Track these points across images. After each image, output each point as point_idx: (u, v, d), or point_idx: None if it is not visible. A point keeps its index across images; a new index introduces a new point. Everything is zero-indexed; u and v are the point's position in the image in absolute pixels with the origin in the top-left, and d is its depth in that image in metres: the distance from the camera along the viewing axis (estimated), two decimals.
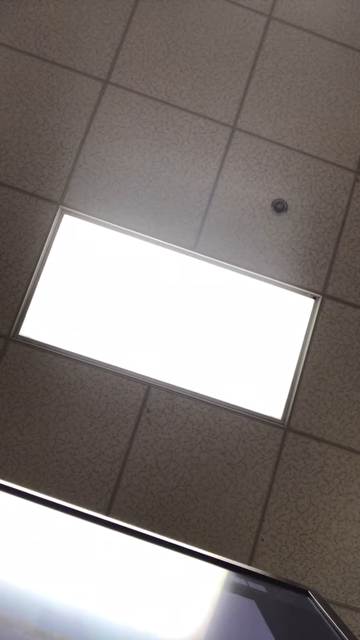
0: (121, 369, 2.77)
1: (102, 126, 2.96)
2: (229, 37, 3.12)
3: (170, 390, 2.77)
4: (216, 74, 3.07)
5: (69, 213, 2.90)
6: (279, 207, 2.98)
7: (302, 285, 2.94)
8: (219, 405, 2.78)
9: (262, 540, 2.70)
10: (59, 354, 2.74)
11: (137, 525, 2.69)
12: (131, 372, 2.78)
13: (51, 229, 2.86)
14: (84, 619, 0.65)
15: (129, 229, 2.88)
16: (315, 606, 0.98)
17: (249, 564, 2.70)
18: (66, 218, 2.91)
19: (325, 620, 0.91)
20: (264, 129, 3.05)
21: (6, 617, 0.59)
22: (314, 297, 2.97)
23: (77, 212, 2.88)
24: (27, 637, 0.56)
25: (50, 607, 0.65)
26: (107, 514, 2.69)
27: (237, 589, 0.93)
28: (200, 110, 3.03)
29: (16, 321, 2.77)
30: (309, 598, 1.01)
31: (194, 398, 2.78)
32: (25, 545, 0.83)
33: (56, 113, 2.95)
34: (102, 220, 2.88)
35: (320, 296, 2.94)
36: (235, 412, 2.79)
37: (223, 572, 1.01)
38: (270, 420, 2.81)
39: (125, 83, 3.01)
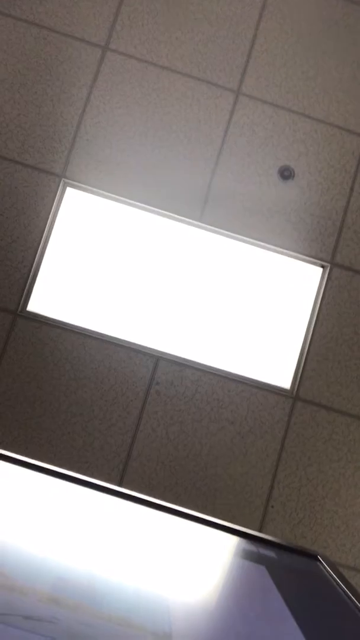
0: (129, 342, 2.78)
1: (103, 95, 2.89)
2: None
3: (178, 362, 2.78)
4: (218, 37, 2.97)
5: (72, 186, 2.86)
6: (286, 174, 2.92)
7: (310, 254, 2.90)
8: (227, 376, 2.80)
9: (272, 507, 2.75)
10: (67, 329, 2.75)
11: (149, 494, 2.74)
12: (139, 345, 2.79)
13: (54, 203, 2.82)
14: (97, 586, 0.66)
15: (133, 200, 2.85)
16: (324, 570, 1.00)
17: (260, 531, 2.75)
18: (69, 191, 2.87)
19: (335, 583, 0.93)
20: (269, 93, 2.96)
21: (20, 585, 0.60)
22: (322, 266, 2.93)
23: (80, 184, 2.84)
24: (40, 604, 0.57)
25: (64, 575, 0.66)
26: (119, 484, 2.74)
27: (247, 555, 0.95)
28: (203, 75, 2.94)
29: (23, 297, 2.77)
30: (318, 562, 1.02)
31: (203, 370, 2.79)
32: (38, 517, 0.85)
33: (55, 83, 2.88)
34: (106, 192, 2.84)
35: (329, 265, 2.90)
36: (244, 382, 2.80)
37: (233, 539, 1.02)
38: (279, 390, 2.82)
39: (125, 49, 2.92)
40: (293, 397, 2.81)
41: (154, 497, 2.76)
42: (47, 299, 2.83)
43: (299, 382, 2.82)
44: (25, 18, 2.90)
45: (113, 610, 0.61)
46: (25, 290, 2.78)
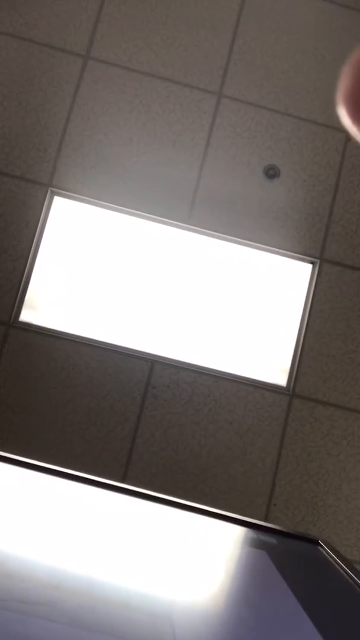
0: (124, 347, 2.78)
1: (86, 103, 2.91)
2: (208, 0, 3.04)
3: (174, 365, 2.78)
4: (198, 40, 3.00)
5: (59, 195, 2.87)
6: (271, 173, 2.94)
7: (299, 251, 2.91)
8: (223, 376, 2.79)
9: (275, 505, 2.73)
10: (61, 337, 2.75)
11: None
12: (134, 349, 2.78)
13: (42, 212, 2.83)
14: (96, 574, 0.66)
15: (121, 206, 2.86)
16: (326, 554, 0.99)
17: None
18: (57, 200, 2.88)
19: (337, 566, 0.93)
20: (251, 94, 2.99)
21: (19, 573, 0.59)
22: (312, 262, 2.95)
23: (67, 192, 2.85)
24: (39, 589, 0.56)
25: (62, 566, 0.66)
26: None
27: (248, 542, 0.94)
28: (184, 80, 2.97)
29: (15, 307, 2.77)
30: (319, 547, 1.02)
31: (198, 371, 2.78)
32: (38, 513, 0.84)
33: (38, 93, 2.89)
34: (93, 200, 2.85)
35: (318, 260, 2.92)
36: (240, 382, 2.80)
37: (234, 528, 1.02)
38: (275, 388, 2.82)
39: (106, 57, 2.95)
40: (290, 394, 2.81)
41: None
42: (39, 308, 2.82)
43: (295, 378, 2.82)
44: (5, 31, 2.92)
45: (112, 595, 0.60)
46: (17, 301, 2.78)
